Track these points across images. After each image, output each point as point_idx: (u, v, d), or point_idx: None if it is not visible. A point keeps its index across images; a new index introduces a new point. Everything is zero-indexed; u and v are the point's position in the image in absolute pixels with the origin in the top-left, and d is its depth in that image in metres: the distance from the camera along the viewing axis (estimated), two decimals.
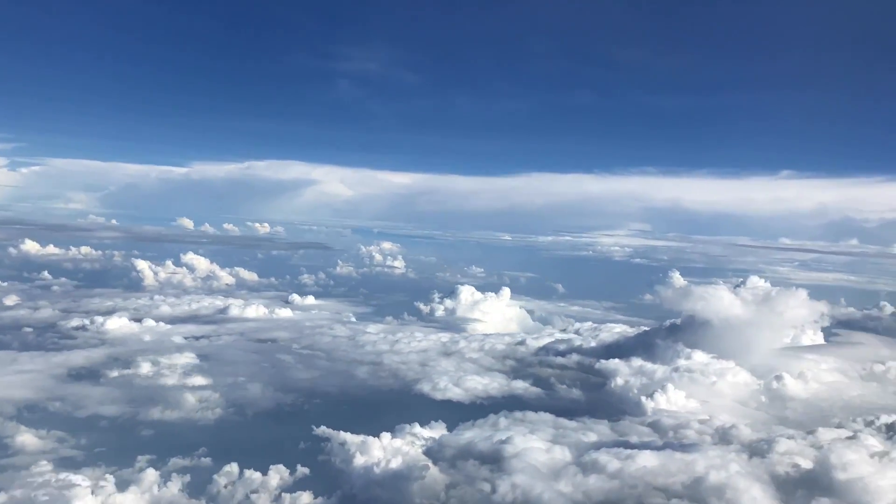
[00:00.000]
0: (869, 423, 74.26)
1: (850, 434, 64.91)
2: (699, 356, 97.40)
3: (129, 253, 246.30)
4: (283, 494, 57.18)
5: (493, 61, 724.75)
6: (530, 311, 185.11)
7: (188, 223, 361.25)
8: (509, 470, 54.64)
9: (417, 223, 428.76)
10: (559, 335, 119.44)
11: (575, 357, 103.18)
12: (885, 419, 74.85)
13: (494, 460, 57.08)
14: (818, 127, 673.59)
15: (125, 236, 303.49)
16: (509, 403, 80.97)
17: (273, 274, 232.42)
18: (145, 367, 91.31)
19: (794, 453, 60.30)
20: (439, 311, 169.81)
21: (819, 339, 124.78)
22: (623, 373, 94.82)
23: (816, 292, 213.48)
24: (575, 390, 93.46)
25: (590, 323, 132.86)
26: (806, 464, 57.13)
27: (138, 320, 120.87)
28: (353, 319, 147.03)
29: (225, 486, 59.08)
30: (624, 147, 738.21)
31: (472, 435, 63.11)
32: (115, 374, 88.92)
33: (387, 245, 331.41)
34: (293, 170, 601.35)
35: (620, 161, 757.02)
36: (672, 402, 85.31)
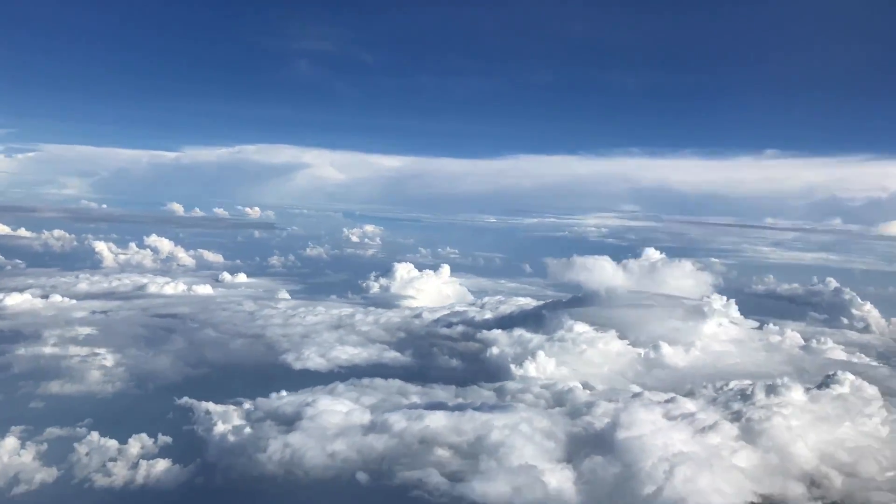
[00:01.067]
0: (719, 389, 74.07)
1: (669, 397, 65.29)
2: (580, 327, 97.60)
3: (108, 236, 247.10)
4: (141, 462, 57.57)
5: (478, 42, 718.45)
6: (473, 289, 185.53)
7: (178, 207, 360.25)
8: (296, 430, 55.06)
9: (408, 206, 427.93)
10: (459, 308, 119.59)
11: (461, 328, 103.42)
12: (735, 384, 74.84)
13: (290, 422, 57.49)
14: (802, 106, 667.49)
15: (108, 220, 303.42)
16: (370, 371, 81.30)
17: (242, 256, 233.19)
18: (34, 341, 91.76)
19: (607, 415, 60.80)
20: (374, 289, 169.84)
21: (733, 310, 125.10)
22: (501, 342, 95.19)
23: (789, 271, 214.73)
24: (451, 359, 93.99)
25: (499, 297, 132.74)
26: (600, 424, 57.54)
27: (45, 297, 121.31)
28: (287, 297, 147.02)
29: (86, 455, 59.49)
30: (607, 127, 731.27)
31: (289, 400, 63.45)
32: None
33: (370, 228, 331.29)
34: (284, 153, 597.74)
35: (604, 142, 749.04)
36: (541, 369, 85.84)
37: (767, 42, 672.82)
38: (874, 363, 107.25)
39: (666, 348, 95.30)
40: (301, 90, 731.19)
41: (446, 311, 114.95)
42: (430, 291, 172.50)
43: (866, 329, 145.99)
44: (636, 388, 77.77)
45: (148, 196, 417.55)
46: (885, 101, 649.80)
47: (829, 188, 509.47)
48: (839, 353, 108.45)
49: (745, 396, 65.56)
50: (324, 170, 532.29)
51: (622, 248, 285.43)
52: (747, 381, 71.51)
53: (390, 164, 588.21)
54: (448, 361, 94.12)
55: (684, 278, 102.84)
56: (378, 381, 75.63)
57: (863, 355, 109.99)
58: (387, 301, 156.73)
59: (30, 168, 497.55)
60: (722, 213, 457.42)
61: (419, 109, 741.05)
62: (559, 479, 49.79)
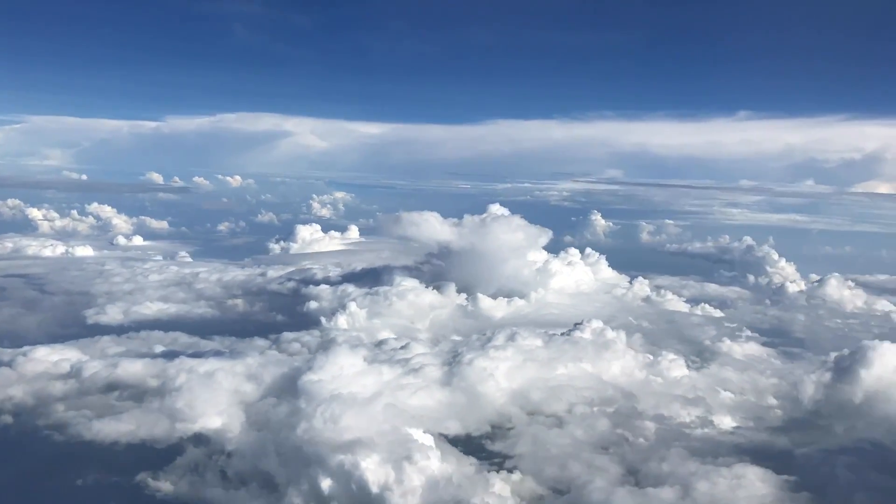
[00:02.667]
0: (482, 335, 74.13)
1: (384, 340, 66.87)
2: (409, 282, 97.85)
3: (70, 205, 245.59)
4: None
5: (453, 6, 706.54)
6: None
7: (157, 177, 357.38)
8: None
9: (390, 173, 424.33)
10: (309, 264, 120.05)
11: (293, 285, 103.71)
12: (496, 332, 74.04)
13: None
14: (772, 67, 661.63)
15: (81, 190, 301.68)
16: (168, 325, 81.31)
17: (190, 224, 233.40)
18: None
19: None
20: (275, 251, 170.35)
21: (601, 265, 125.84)
22: (322, 297, 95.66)
23: (747, 231, 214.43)
24: (273, 313, 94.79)
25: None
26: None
27: None
28: (188, 259, 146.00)
29: None
30: (581, 90, 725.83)
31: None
32: None
33: (339, 195, 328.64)
34: (265, 121, 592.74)
35: (579, 105, 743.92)
36: (352, 321, 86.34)
37: (738, 3, 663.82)
38: (718, 314, 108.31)
39: (486, 300, 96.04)
40: (281, 57, 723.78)
41: (292, 269, 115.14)
42: (331, 251, 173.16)
43: (770, 285, 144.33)
44: (457, 338, 78.95)
45: (129, 166, 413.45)
46: (860, 59, 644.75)
47: (806, 150, 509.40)
48: (678, 305, 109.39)
49: (483, 342, 66.08)
50: (306, 138, 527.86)
51: (576, 211, 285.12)
52: (511, 329, 71.94)
53: (372, 131, 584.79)
54: (270, 315, 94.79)
55: (516, 233, 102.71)
56: (157, 333, 76.27)
57: (707, 306, 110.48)
58: (282, 261, 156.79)
59: (14, 139, 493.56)
60: (700, 175, 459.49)
61: (399, 75, 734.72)
62: (221, 420, 50.25)
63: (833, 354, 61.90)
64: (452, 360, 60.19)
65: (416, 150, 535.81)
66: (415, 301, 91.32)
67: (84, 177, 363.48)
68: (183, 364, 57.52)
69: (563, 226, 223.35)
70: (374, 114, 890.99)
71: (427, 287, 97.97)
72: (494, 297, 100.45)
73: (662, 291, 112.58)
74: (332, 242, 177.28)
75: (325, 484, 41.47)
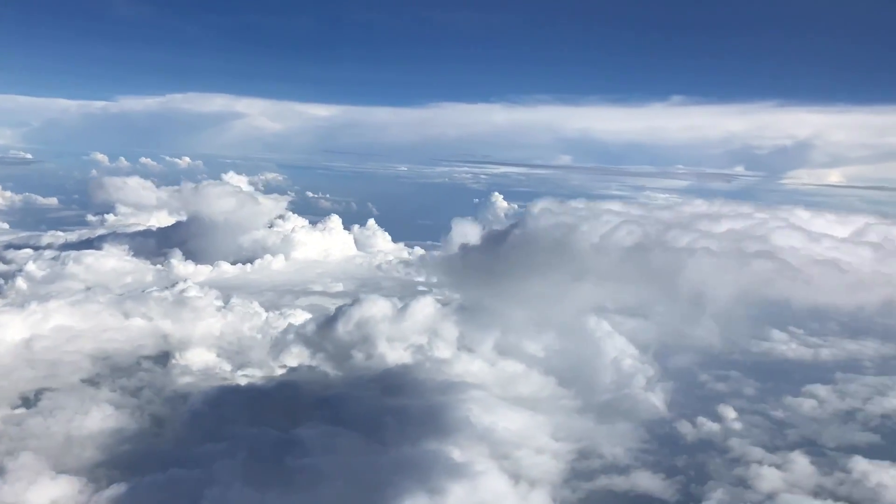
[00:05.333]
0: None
1: None
2: (114, 250, 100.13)
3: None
4: None
5: None
6: None
7: (102, 158, 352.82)
8: None
9: (339, 156, 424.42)
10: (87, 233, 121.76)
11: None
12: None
13: None
14: (706, 52, 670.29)
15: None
16: None
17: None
18: None
19: None
20: (93, 222, 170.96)
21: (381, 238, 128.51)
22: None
23: None
24: None
25: None
26: None
27: None
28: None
29: None
30: (519, 73, 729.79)
31: None
32: None
33: (270, 175, 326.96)
34: (215, 102, 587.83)
35: (517, 88, 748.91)
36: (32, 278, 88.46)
37: None
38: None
39: (181, 266, 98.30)
40: (230, 37, 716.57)
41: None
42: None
43: None
44: None
45: (77, 146, 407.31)
46: (792, 44, 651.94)
47: (744, 136, 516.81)
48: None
49: None
50: (258, 120, 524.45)
51: (480, 193, 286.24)
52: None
53: (322, 113, 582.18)
54: None
55: (247, 202, 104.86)
56: None
57: None
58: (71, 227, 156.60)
59: None
60: (639, 161, 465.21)
61: (348, 57, 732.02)
62: None
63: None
64: None
65: (364, 132, 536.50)
66: (93, 265, 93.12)
67: (28, 156, 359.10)
68: None
69: (465, 206, 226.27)
70: (325, 96, 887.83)
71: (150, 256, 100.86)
72: (234, 263, 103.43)
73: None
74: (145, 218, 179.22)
75: None
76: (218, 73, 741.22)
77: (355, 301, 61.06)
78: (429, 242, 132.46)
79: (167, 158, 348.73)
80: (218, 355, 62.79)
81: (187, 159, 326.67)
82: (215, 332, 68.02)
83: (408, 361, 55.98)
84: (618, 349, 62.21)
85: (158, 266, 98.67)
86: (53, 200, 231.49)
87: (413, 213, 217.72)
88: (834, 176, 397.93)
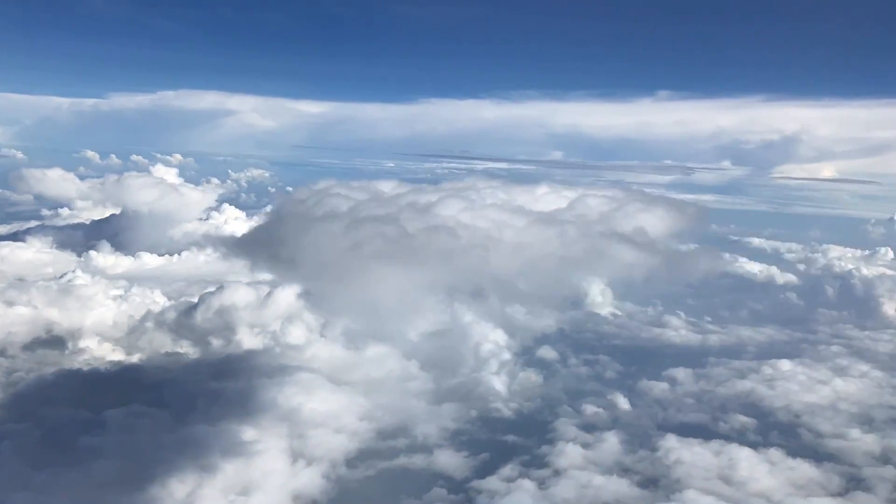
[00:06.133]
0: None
1: None
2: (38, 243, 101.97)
3: None
4: None
5: None
6: None
7: (93, 155, 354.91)
8: None
9: (331, 153, 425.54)
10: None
11: None
12: None
13: None
14: (692, 46, 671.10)
15: None
16: None
17: None
18: None
19: None
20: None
21: None
22: None
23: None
24: None
25: None
26: None
27: None
28: None
29: None
30: (506, 69, 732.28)
31: None
32: None
33: (256, 172, 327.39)
34: (206, 99, 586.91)
35: (505, 84, 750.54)
36: None
37: None
38: None
39: (100, 258, 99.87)
40: (222, 34, 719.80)
41: None
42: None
43: None
44: None
45: (69, 144, 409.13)
46: (779, 38, 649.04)
47: (733, 132, 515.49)
48: None
49: None
50: (251, 116, 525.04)
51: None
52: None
53: (313, 109, 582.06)
54: None
55: (170, 194, 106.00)
56: None
57: None
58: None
59: None
60: (629, 156, 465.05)
61: (339, 53, 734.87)
62: None
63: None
64: None
65: (355, 129, 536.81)
66: (8, 257, 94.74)
67: (19, 154, 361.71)
68: None
69: None
70: (316, 92, 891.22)
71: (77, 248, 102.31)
72: (162, 255, 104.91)
73: None
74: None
75: None
76: (209, 70, 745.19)
77: (218, 288, 62.12)
78: None
79: (158, 156, 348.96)
80: (101, 342, 64.05)
81: (178, 156, 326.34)
82: (107, 321, 69.46)
83: (259, 347, 57.09)
84: (482, 334, 63.32)
85: (81, 258, 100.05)
86: (29, 197, 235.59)
87: None
88: (827, 170, 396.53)
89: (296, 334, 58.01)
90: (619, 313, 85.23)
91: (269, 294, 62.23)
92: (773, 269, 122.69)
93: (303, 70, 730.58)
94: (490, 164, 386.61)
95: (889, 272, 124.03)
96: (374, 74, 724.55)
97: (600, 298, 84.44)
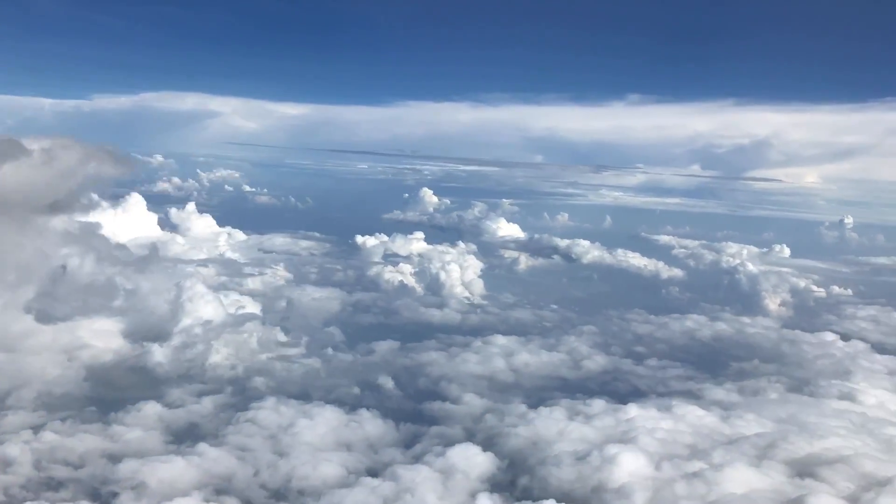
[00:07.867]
0: None
1: None
2: None
3: None
4: None
5: None
6: None
7: None
8: None
9: (310, 155, 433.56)
10: None
11: None
12: None
13: None
14: (662, 50, 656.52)
15: None
16: None
17: None
18: None
19: None
20: None
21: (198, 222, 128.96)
22: None
23: (592, 212, 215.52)
24: None
25: None
26: None
27: None
28: None
29: None
30: (483, 73, 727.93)
31: None
32: None
33: (225, 173, 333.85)
34: (189, 101, 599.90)
35: (482, 87, 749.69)
36: None
37: None
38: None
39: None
40: (204, 36, 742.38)
41: None
42: None
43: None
44: None
45: None
46: (749, 42, 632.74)
47: (707, 136, 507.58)
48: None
49: None
50: (233, 118, 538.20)
51: (409, 188, 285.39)
52: None
53: (294, 112, 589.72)
54: None
55: None
56: None
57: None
58: None
59: None
60: (605, 160, 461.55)
61: (318, 55, 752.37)
62: None
63: None
64: None
65: (335, 131, 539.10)
66: None
67: None
68: None
69: (397, 201, 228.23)
70: (297, 94, 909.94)
71: None
72: None
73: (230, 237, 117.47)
74: None
75: None
76: (192, 72, 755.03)
77: None
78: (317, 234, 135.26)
79: (140, 157, 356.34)
80: None
81: (159, 157, 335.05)
82: None
83: None
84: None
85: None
86: None
87: (341, 206, 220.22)
88: (810, 176, 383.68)
89: None
90: None
91: None
92: (660, 264, 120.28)
93: (283, 72, 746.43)
94: (467, 168, 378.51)
95: (780, 269, 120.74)
96: (352, 77, 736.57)
97: None
